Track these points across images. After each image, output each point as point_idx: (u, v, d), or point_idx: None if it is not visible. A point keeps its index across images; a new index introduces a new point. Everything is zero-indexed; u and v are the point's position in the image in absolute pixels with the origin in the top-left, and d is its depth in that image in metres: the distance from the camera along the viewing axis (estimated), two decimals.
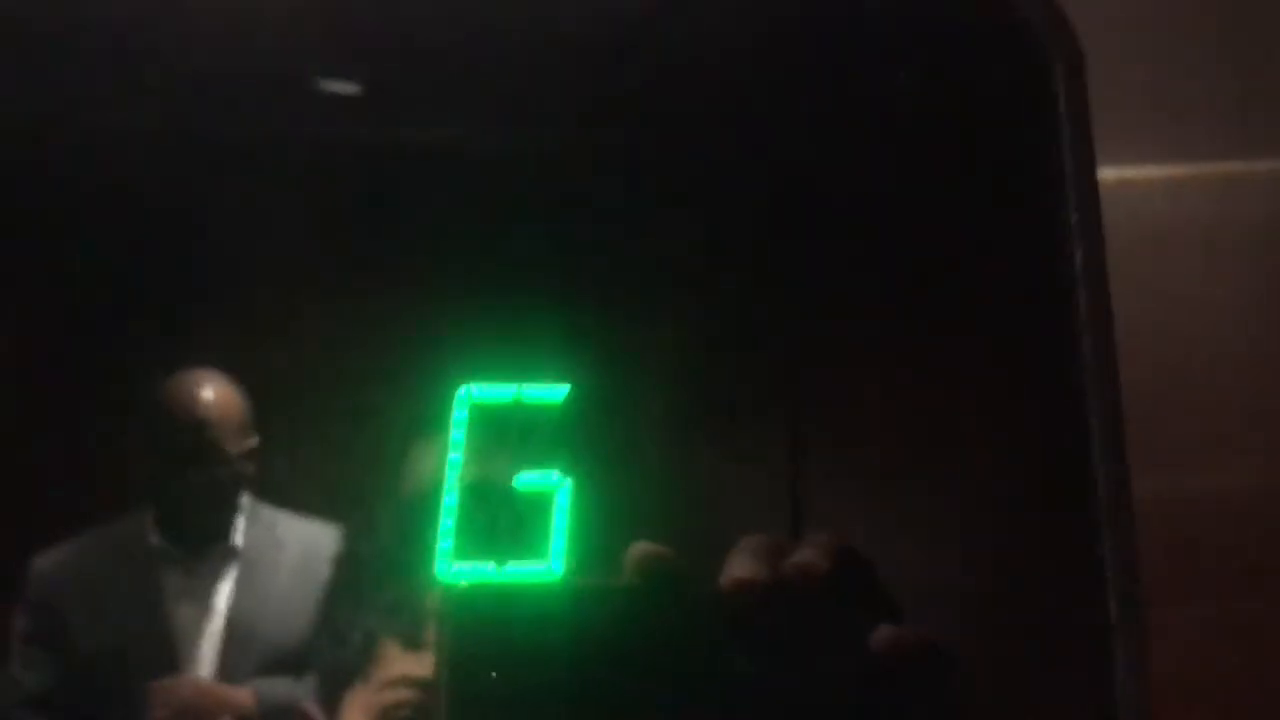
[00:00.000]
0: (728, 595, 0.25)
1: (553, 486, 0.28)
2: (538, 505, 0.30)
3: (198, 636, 1.06)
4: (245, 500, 1.12)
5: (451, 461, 0.29)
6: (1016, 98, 0.88)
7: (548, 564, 0.27)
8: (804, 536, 0.28)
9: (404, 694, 0.40)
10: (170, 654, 1.04)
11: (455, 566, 0.28)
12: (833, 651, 0.24)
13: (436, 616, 0.21)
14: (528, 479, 0.29)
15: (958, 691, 0.25)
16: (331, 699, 0.49)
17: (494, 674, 0.22)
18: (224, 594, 1.08)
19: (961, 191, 0.96)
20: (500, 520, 0.28)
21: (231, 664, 1.04)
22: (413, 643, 0.28)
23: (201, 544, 1.09)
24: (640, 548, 0.26)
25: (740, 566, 0.25)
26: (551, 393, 0.30)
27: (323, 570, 1.10)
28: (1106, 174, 0.89)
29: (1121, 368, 0.89)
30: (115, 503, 1.12)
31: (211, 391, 1.10)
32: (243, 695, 1.01)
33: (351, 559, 0.49)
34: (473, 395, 0.28)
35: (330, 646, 0.48)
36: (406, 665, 0.40)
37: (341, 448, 1.33)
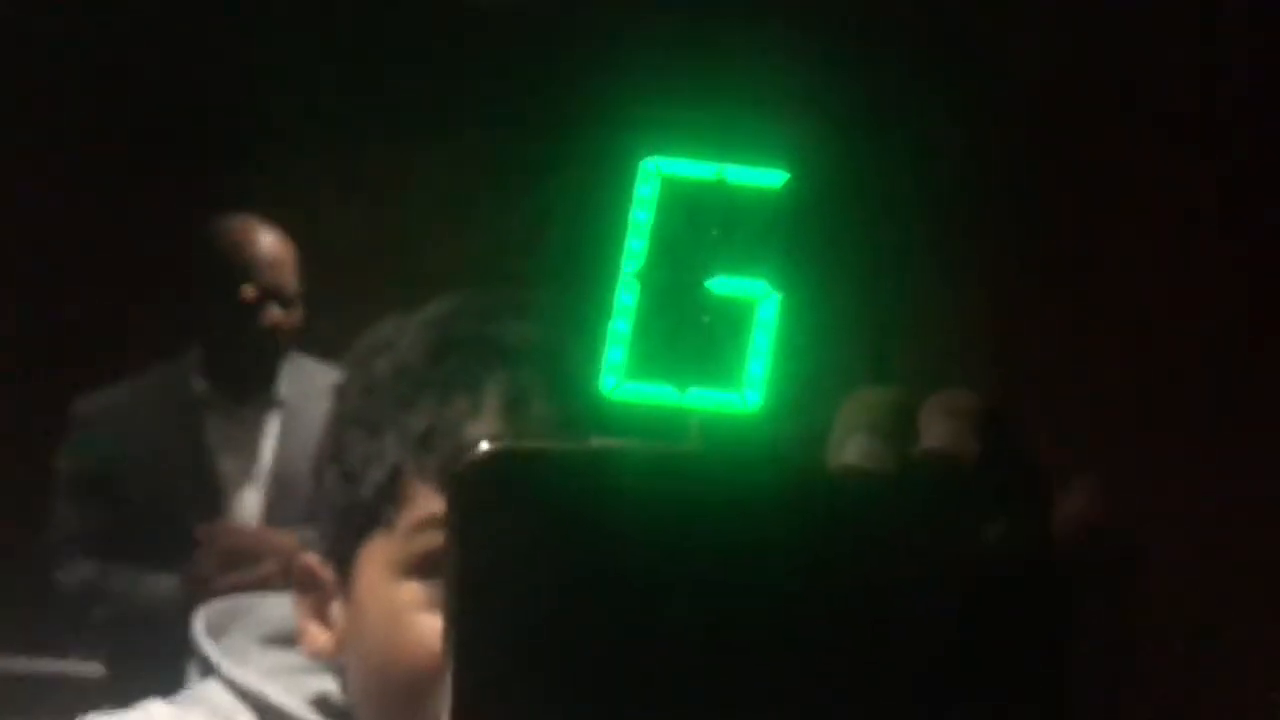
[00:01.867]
0: (837, 480, 0.18)
1: (756, 296, 0.14)
2: (734, 318, 0.17)
3: (242, 483, 1.07)
4: (290, 351, 1.11)
5: (631, 250, 0.14)
6: None
7: (740, 393, 0.13)
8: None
9: (440, 539, 0.28)
10: (215, 499, 1.06)
11: (626, 385, 0.15)
12: (972, 554, 0.18)
13: (453, 485, 0.11)
14: (725, 283, 0.14)
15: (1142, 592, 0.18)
16: (343, 550, 0.39)
17: (509, 567, 0.17)
18: (268, 442, 1.08)
19: None
20: (686, 331, 0.15)
21: (275, 510, 1.06)
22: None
23: (245, 392, 1.09)
24: None
25: (855, 446, 0.19)
26: (765, 177, 0.15)
27: None
28: None
29: None
30: (156, 348, 1.12)
31: (265, 238, 1.08)
32: (286, 540, 1.02)
33: (367, 381, 0.35)
34: (663, 169, 0.13)
35: (340, 487, 0.40)
36: (440, 505, 0.29)
37: (387, 303, 1.25)
